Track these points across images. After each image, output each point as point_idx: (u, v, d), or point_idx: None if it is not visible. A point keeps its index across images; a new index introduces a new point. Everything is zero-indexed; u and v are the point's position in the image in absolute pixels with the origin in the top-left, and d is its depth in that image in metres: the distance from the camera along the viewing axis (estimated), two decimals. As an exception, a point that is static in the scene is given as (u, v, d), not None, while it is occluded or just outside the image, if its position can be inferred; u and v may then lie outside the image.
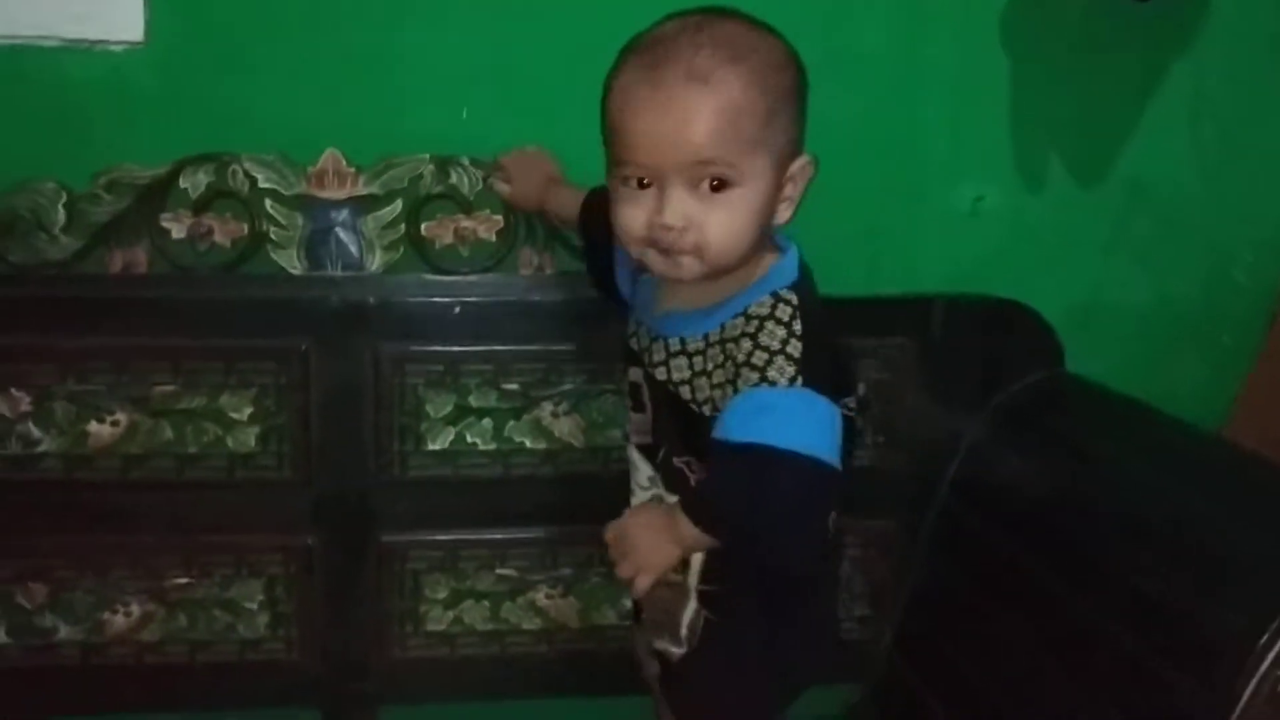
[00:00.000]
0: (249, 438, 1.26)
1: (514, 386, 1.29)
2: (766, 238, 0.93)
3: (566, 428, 1.31)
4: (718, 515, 0.92)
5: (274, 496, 1.28)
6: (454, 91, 1.25)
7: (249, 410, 1.25)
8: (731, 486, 0.89)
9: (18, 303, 1.21)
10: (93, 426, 1.23)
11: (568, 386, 1.30)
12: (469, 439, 1.30)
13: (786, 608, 1.01)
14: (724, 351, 0.90)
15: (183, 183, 1.22)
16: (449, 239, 1.27)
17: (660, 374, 0.96)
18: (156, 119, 1.22)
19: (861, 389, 1.33)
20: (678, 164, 0.85)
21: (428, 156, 1.25)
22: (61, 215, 1.21)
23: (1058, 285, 1.41)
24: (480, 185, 1.26)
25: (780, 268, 0.94)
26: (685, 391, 0.94)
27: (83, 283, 1.22)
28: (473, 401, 1.29)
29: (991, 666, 1.25)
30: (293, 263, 1.25)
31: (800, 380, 0.86)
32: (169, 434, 1.24)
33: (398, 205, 1.25)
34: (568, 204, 1.17)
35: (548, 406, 1.30)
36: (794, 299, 0.90)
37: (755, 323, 0.89)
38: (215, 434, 1.25)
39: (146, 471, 1.24)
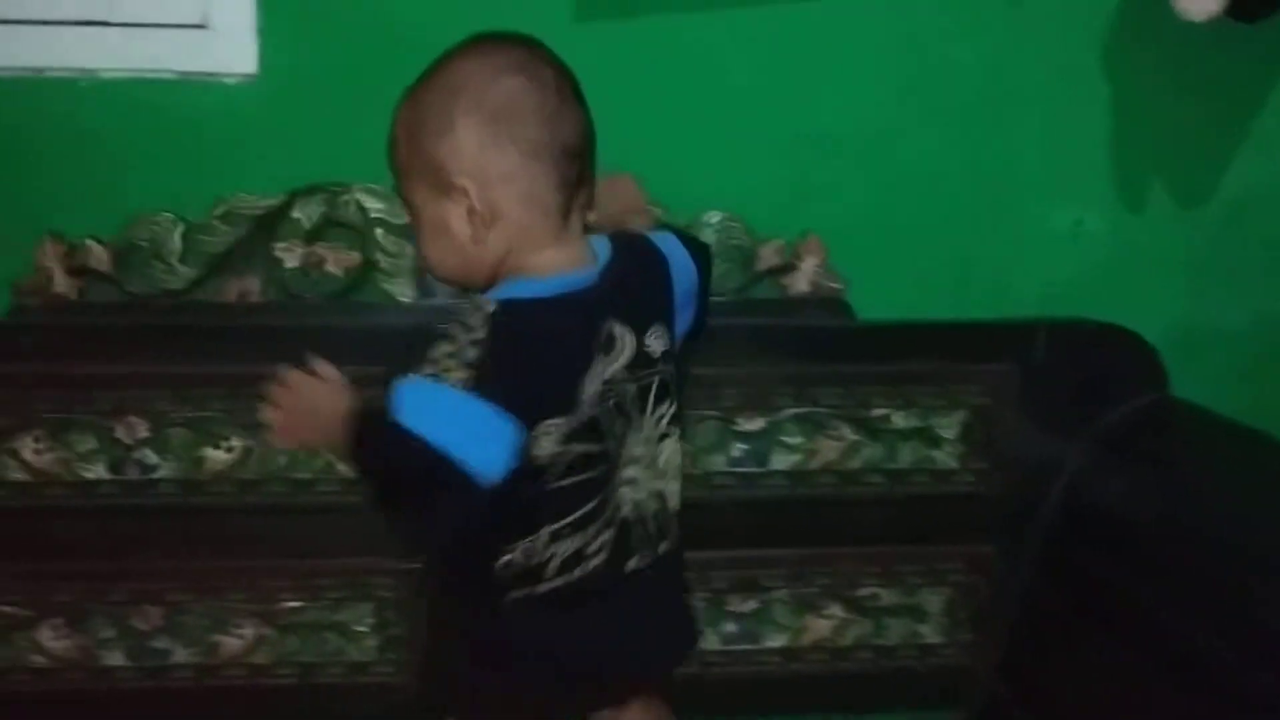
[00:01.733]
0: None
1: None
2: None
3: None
4: (358, 454, 0.91)
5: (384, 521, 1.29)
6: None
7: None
8: (373, 443, 0.88)
9: (136, 331, 1.24)
10: (208, 452, 1.25)
11: (670, 412, 1.31)
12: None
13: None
14: None
15: (296, 213, 1.25)
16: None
17: None
18: (269, 150, 1.25)
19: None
20: None
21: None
22: (178, 245, 1.24)
23: (1158, 308, 1.40)
24: (586, 213, 1.27)
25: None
26: None
27: (199, 311, 1.25)
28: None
29: (1096, 695, 1.24)
30: (403, 291, 1.27)
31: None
32: (282, 459, 1.27)
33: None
34: None
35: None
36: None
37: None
38: (327, 460, 1.27)
39: (260, 496, 1.26)
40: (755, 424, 1.32)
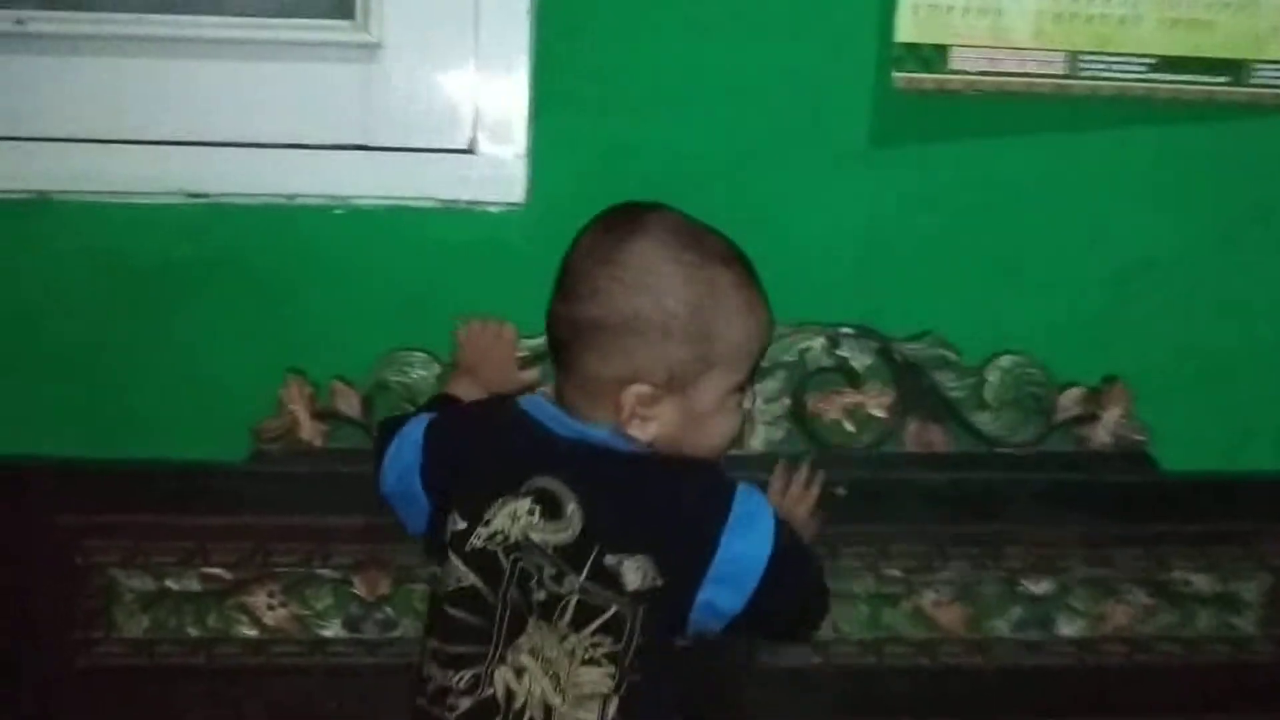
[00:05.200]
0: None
1: (895, 572, 1.19)
2: None
3: (946, 617, 1.20)
4: None
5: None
6: (844, 259, 1.16)
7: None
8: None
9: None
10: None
11: (951, 573, 1.19)
12: (844, 627, 1.19)
13: None
14: None
15: (556, 354, 1.14)
16: (835, 414, 1.17)
17: None
18: (533, 285, 1.14)
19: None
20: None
21: (816, 327, 1.15)
22: (432, 386, 1.13)
23: None
24: (871, 358, 1.16)
25: None
26: None
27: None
28: (853, 587, 1.19)
29: None
30: (665, 438, 1.16)
31: None
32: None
33: (782, 379, 1.16)
34: None
35: (929, 594, 1.20)
36: None
37: None
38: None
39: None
40: (1042, 587, 1.21)
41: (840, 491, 1.15)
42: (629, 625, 0.83)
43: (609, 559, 0.82)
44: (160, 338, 1.13)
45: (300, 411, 1.13)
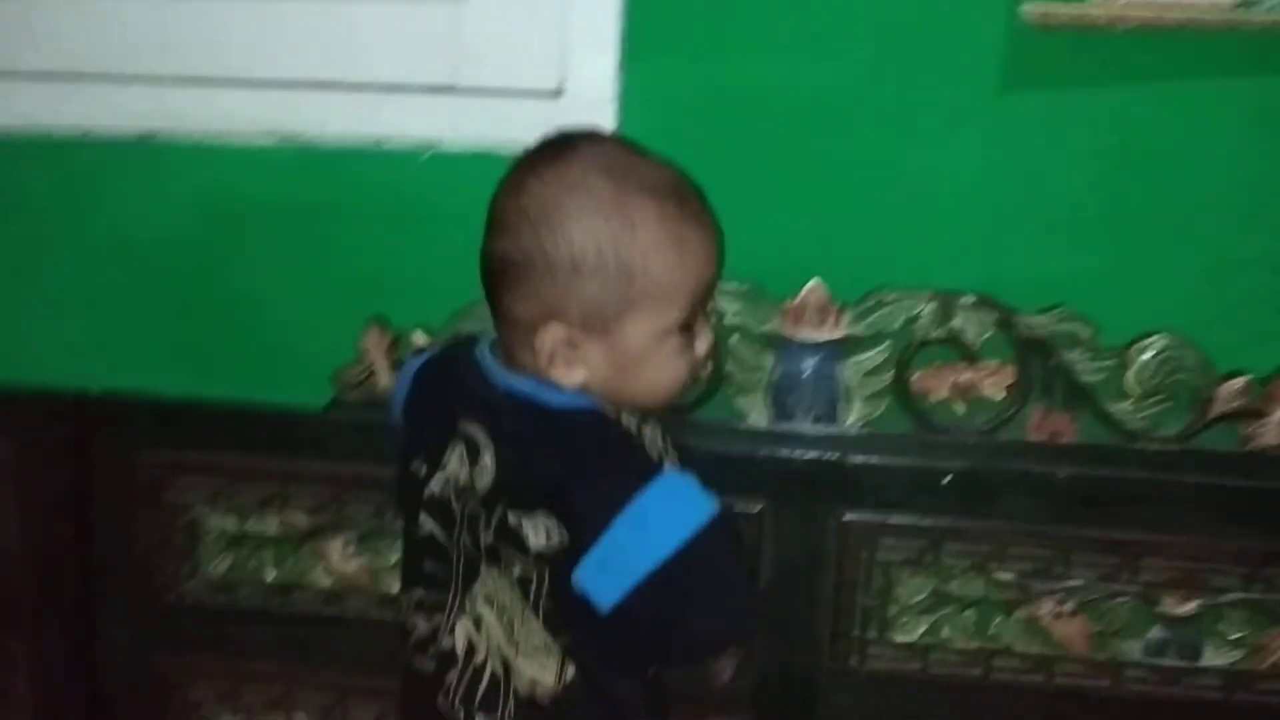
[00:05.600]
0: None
1: (1008, 576, 1.05)
2: None
3: (1065, 631, 1.06)
4: None
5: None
6: (963, 218, 1.04)
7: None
8: None
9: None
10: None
11: (1075, 582, 1.05)
12: (945, 633, 1.07)
13: None
14: None
15: (641, 312, 1.07)
16: (944, 393, 1.05)
17: None
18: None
19: None
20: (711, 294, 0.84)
21: (927, 294, 1.03)
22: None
23: None
24: (990, 330, 1.03)
25: None
26: None
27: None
28: (955, 589, 1.06)
29: None
30: (757, 410, 1.07)
31: None
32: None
33: (886, 349, 1.05)
34: None
35: (1047, 604, 1.05)
36: None
37: None
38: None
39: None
40: (1186, 607, 1.04)
41: (946, 480, 1.03)
42: (533, 586, 0.77)
43: (511, 516, 0.76)
44: (249, 280, 1.14)
45: (379, 359, 1.11)
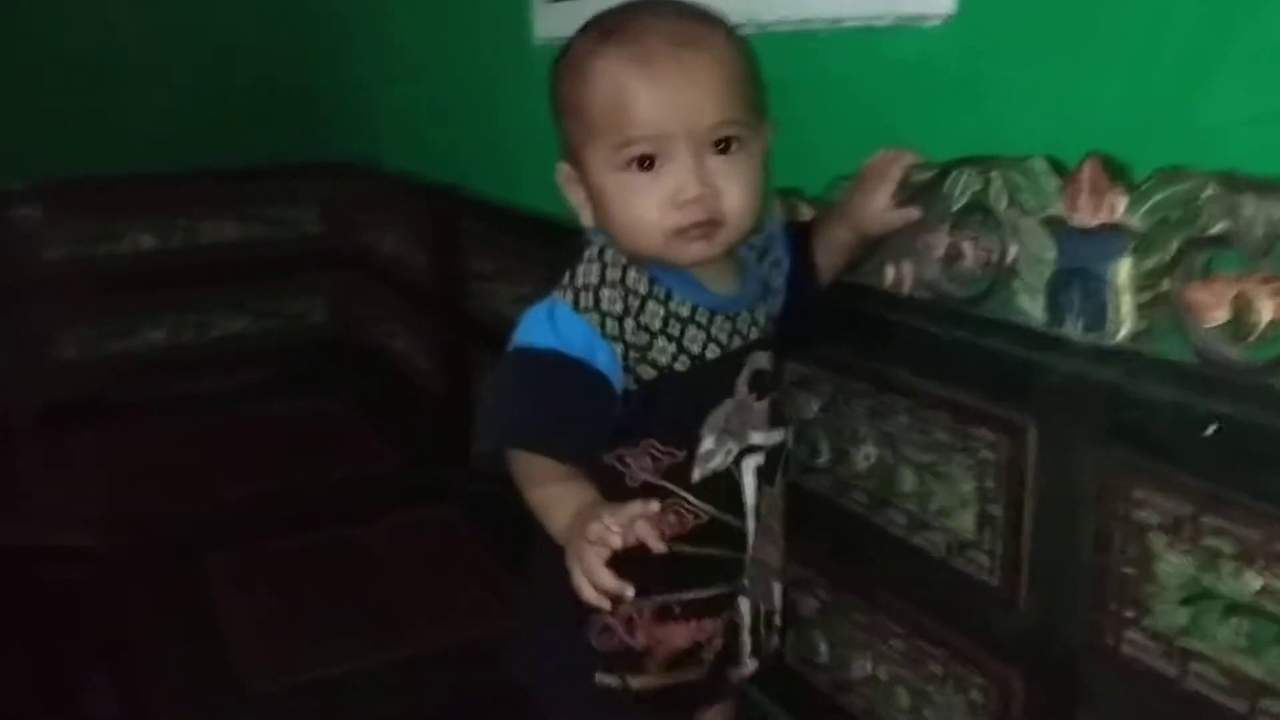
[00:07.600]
0: (967, 520, 0.99)
1: (1283, 584, 0.72)
2: None
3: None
4: None
5: (977, 604, 0.98)
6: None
7: (970, 485, 0.98)
8: None
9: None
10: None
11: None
12: (1206, 639, 0.78)
13: None
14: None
15: (947, 188, 0.98)
16: (1220, 313, 0.75)
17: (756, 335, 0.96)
18: (954, 107, 1.00)
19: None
20: (690, 130, 0.83)
21: (1209, 174, 0.75)
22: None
23: None
24: (1287, 228, 0.71)
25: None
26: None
27: (853, 292, 1.09)
28: (1217, 583, 0.77)
29: None
30: (1035, 310, 0.91)
31: None
32: (908, 482, 1.05)
33: (1170, 246, 0.79)
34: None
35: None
36: None
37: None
38: (942, 502, 1.01)
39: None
40: None
41: (1210, 430, 0.75)
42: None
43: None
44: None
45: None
